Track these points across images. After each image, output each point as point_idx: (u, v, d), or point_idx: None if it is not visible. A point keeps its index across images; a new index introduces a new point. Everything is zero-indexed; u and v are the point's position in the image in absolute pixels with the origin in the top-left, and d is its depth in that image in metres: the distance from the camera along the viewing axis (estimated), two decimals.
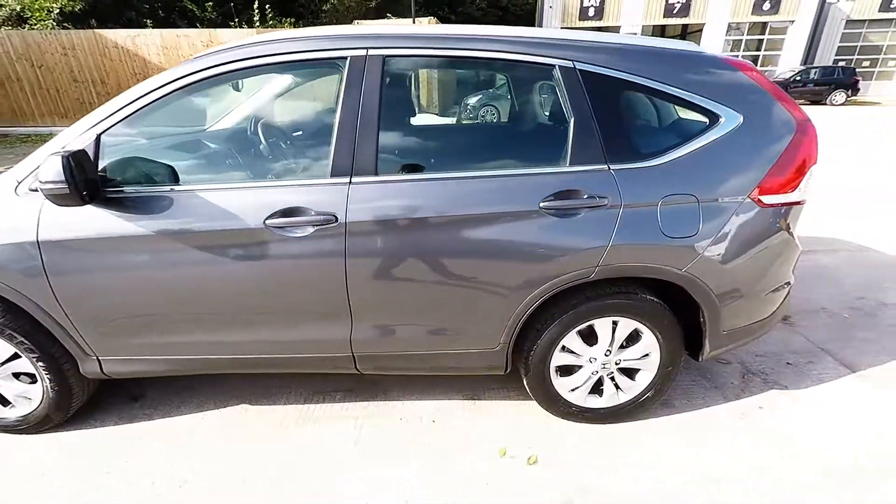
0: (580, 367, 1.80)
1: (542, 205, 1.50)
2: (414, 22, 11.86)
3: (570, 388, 1.83)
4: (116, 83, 11.11)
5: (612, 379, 1.83)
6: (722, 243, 1.57)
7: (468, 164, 1.63)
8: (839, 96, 17.19)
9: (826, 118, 13.38)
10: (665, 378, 1.81)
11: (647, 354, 1.77)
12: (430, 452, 1.78)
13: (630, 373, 1.83)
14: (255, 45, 1.52)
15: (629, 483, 1.63)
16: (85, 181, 1.38)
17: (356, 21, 12.55)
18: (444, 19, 22.99)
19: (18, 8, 11.84)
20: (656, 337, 1.72)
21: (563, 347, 1.74)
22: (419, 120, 1.73)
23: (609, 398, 1.85)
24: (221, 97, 2.48)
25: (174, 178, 1.60)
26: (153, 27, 12.03)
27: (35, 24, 12.15)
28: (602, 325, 1.71)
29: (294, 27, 13.65)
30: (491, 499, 1.58)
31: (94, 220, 1.49)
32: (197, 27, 12.78)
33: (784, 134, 1.59)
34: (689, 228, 1.54)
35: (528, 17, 24.33)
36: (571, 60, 1.52)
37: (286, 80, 2.27)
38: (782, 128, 1.59)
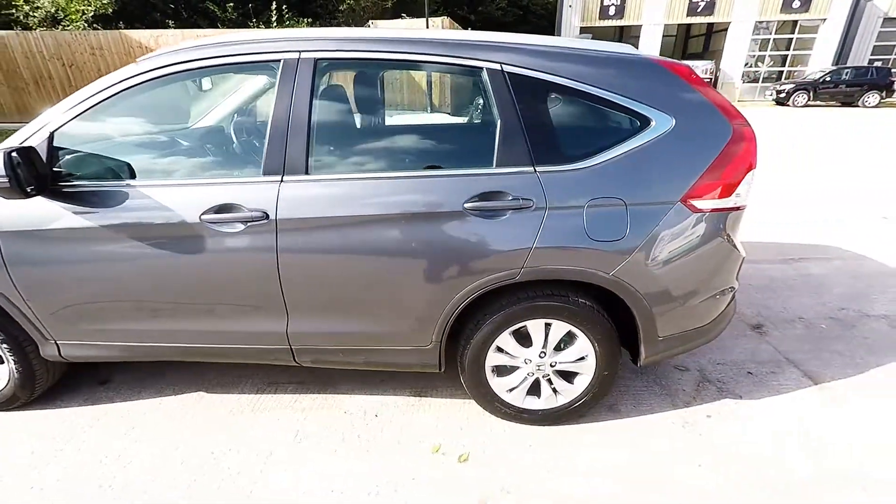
0: (517, 367, 1.81)
1: (466, 206, 1.52)
2: (427, 23, 11.92)
3: (507, 389, 1.84)
4: None
5: (550, 381, 1.83)
6: (652, 248, 1.56)
7: (399, 164, 1.66)
8: (872, 98, 16.40)
9: (856, 120, 12.81)
10: (602, 382, 1.80)
11: (583, 358, 1.76)
12: (367, 446, 1.82)
13: (567, 376, 1.83)
14: (196, 48, 1.59)
15: (553, 485, 1.64)
16: (36, 176, 1.48)
17: (371, 21, 12.71)
18: (463, 19, 22.99)
19: (53, 10, 12.46)
20: (591, 340, 1.71)
21: (498, 348, 1.76)
22: (360, 120, 1.77)
23: (547, 400, 1.85)
24: (209, 97, 2.58)
25: (129, 174, 1.69)
26: (176, 28, 12.47)
27: (68, 26, 12.77)
28: (535, 327, 1.71)
29: (312, 27, 13.90)
30: (413, 493, 1.61)
31: (47, 213, 1.59)
32: (218, 27, 13.18)
33: (719, 138, 1.56)
34: (615, 232, 1.53)
35: (550, 16, 24.09)
36: (499, 63, 1.53)
37: (261, 81, 2.35)
38: (717, 132, 1.56)
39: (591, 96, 1.55)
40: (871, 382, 2.14)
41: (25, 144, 1.49)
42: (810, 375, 2.20)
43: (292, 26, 13.46)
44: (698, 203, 1.55)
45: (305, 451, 1.80)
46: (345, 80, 1.88)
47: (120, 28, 12.71)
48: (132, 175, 1.67)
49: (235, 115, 2.02)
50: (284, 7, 12.91)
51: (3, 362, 1.90)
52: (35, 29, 12.45)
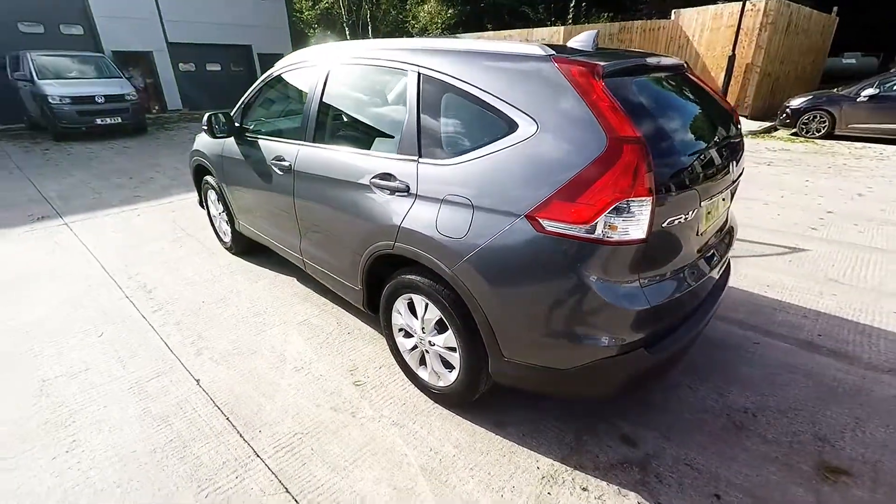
0: (411, 334, 2.05)
1: (371, 180, 1.90)
2: (743, 6, 9.82)
3: (407, 349, 2.11)
4: None
5: (432, 360, 1.98)
6: (489, 256, 1.51)
7: (355, 142, 2.12)
8: None
9: None
10: (463, 382, 1.81)
11: (454, 348, 1.84)
12: (323, 345, 2.50)
13: (447, 362, 1.93)
14: (284, 59, 2.53)
15: (376, 433, 1.89)
16: (228, 127, 2.81)
17: (674, 10, 11.48)
18: None
19: (424, 23, 17.27)
20: (454, 330, 1.78)
21: (398, 311, 2.05)
22: (338, 106, 2.23)
23: (429, 376, 2.02)
24: None
25: (259, 132, 2.84)
26: (492, 29, 14.98)
27: (430, 34, 17.40)
28: (419, 303, 1.91)
29: (612, 21, 13.77)
30: (310, 380, 2.21)
31: (235, 148, 2.95)
32: (529, 27, 14.91)
33: (587, 152, 1.31)
34: (458, 231, 1.57)
35: None
36: (418, 66, 1.77)
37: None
38: (586, 146, 1.32)
39: (473, 97, 1.57)
40: None
41: (222, 111, 2.83)
42: None
43: (592, 22, 13.74)
44: (546, 223, 1.38)
45: (297, 331, 2.65)
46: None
47: (458, 34, 16.30)
48: (260, 132, 2.82)
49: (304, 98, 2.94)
50: (584, 4, 13.30)
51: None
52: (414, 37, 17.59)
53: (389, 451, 1.80)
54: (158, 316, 2.82)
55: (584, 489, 1.63)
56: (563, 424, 1.92)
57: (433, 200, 1.67)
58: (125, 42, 14.40)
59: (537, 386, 1.64)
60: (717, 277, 1.92)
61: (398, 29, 20.14)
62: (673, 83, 1.76)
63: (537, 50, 1.50)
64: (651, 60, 1.60)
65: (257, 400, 2.09)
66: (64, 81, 9.75)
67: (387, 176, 1.85)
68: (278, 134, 2.67)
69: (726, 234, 2.01)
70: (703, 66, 11.15)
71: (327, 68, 2.25)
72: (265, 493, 1.64)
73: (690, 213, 1.45)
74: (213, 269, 3.48)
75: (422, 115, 1.75)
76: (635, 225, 1.31)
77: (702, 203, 1.54)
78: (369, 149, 2.01)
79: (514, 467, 1.73)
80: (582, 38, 1.76)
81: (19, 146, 9.26)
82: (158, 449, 1.83)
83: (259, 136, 2.74)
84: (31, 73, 9.69)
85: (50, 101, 9.29)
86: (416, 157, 1.75)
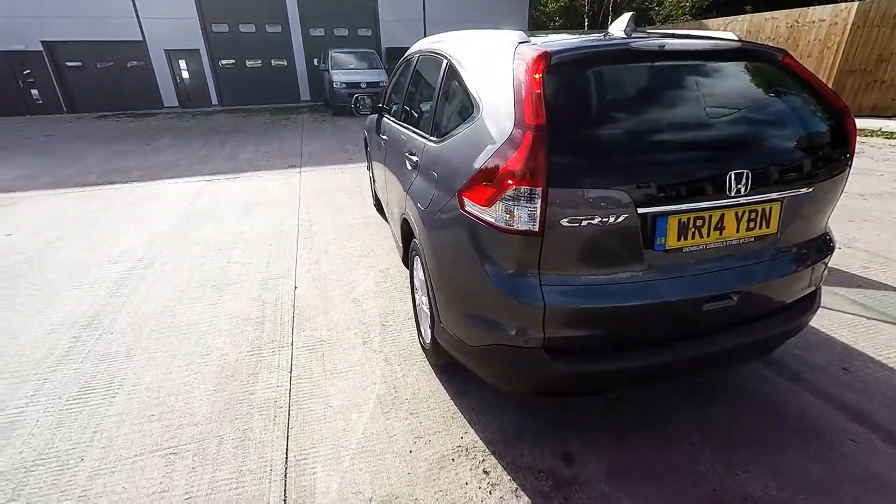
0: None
1: (405, 153, 2.24)
2: None
3: (417, 304, 2.41)
4: None
5: (425, 317, 2.22)
6: (434, 226, 1.68)
7: (412, 121, 2.41)
8: None
9: None
10: (434, 344, 2.00)
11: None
12: (383, 289, 3.01)
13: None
14: (417, 45, 3.00)
15: (350, 361, 2.29)
16: (371, 106, 3.58)
17: None
18: None
19: (668, 9, 15.39)
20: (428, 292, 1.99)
21: (415, 269, 2.36)
22: (409, 90, 2.57)
23: (424, 331, 2.27)
24: None
25: (388, 113, 3.46)
26: (752, 11, 12.14)
27: (675, 20, 15.41)
28: (419, 264, 2.18)
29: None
30: (351, 313, 2.77)
31: (376, 121, 3.69)
32: (804, 6, 11.54)
33: (501, 136, 1.33)
34: (425, 201, 1.78)
35: None
36: (448, 55, 1.97)
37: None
38: (503, 129, 1.33)
39: (465, 82, 1.69)
40: None
41: (360, 95, 3.56)
42: None
43: (811, 3, 9.52)
44: (467, 203, 1.46)
45: (375, 275, 3.23)
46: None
47: (709, 18, 13.91)
48: (384, 112, 3.42)
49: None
50: None
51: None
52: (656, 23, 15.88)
53: (366, 377, 2.19)
54: (305, 241, 3.88)
55: (486, 473, 1.66)
56: (517, 417, 1.91)
57: (424, 175, 1.90)
58: (397, 39, 17.96)
59: (459, 357, 1.72)
60: (742, 315, 1.53)
61: (640, 18, 18.58)
62: (694, 72, 1.46)
63: (515, 38, 1.53)
64: (640, 45, 1.37)
65: (318, 311, 2.78)
66: (344, 71, 13.01)
67: (412, 151, 2.15)
68: (390, 114, 3.25)
69: (778, 263, 1.53)
70: None
71: (415, 57, 2.65)
72: (279, 368, 2.27)
73: (614, 217, 1.26)
74: (357, 217, 4.44)
75: (440, 99, 1.97)
76: (529, 215, 1.27)
77: (644, 211, 1.30)
78: (415, 127, 2.34)
79: (443, 428, 1.87)
80: (619, 23, 1.66)
81: (312, 118, 12.96)
82: (250, 319, 2.71)
83: (383, 115, 3.38)
84: (329, 65, 13.35)
85: (334, 85, 12.65)
86: (427, 136, 2.00)
